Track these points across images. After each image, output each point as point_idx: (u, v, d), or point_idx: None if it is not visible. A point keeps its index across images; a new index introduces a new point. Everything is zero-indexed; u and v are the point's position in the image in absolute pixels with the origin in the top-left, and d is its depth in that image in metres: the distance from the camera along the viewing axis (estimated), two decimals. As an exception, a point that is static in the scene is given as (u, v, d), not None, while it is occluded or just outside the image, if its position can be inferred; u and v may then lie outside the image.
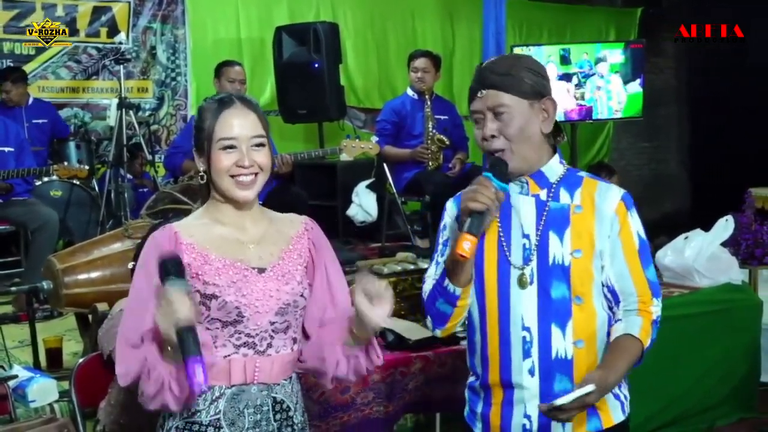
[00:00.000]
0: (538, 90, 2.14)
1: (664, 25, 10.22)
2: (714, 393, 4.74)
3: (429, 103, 6.30)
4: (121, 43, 6.81)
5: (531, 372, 2.14)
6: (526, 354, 2.14)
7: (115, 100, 6.09)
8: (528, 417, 2.17)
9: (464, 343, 3.65)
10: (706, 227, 5.06)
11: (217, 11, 7.65)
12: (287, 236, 2.18)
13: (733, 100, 9.31)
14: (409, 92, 6.44)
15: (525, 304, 2.14)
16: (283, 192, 6.06)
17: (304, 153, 6.18)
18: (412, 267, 4.35)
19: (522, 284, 2.14)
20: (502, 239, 2.18)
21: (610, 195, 2.15)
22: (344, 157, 5.95)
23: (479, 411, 2.28)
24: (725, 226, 4.98)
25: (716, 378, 4.74)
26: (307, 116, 7.21)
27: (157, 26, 7.39)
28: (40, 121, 6.44)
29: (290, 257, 2.14)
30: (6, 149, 5.39)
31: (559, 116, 6.96)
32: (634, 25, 10.25)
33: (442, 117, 6.41)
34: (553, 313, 2.13)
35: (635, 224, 2.16)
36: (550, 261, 2.12)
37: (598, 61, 7.27)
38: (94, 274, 3.64)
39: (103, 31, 7.12)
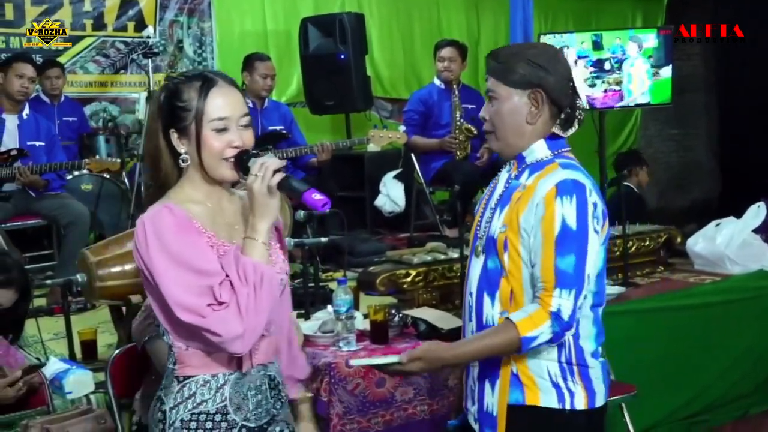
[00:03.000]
0: (529, 80, 2.21)
1: (691, 12, 10.12)
2: (746, 381, 4.72)
3: (456, 92, 6.30)
4: (148, 36, 6.84)
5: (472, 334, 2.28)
6: (469, 318, 2.30)
7: (144, 94, 6.13)
8: (473, 380, 2.31)
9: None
10: (738, 214, 5.03)
11: (242, 3, 7.67)
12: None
13: (762, 85, 9.21)
14: (436, 82, 6.44)
15: (474, 271, 2.28)
16: (310, 183, 6.08)
17: (332, 144, 6.19)
18: (442, 257, 4.36)
19: (477, 253, 2.29)
20: (480, 214, 2.35)
21: (550, 179, 2.15)
22: (372, 147, 5.96)
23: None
24: (757, 212, 4.95)
25: (748, 366, 4.71)
26: (333, 107, 7.22)
27: (184, 19, 7.42)
28: (71, 119, 6.50)
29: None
30: (37, 144, 5.45)
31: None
32: (661, 11, 10.16)
33: (470, 106, 6.40)
34: (486, 282, 2.24)
35: (562, 211, 2.10)
36: (490, 233, 2.24)
37: (630, 40, 7.22)
38: (127, 267, 3.65)
39: (131, 25, 7.16)
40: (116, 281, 3.67)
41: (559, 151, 2.25)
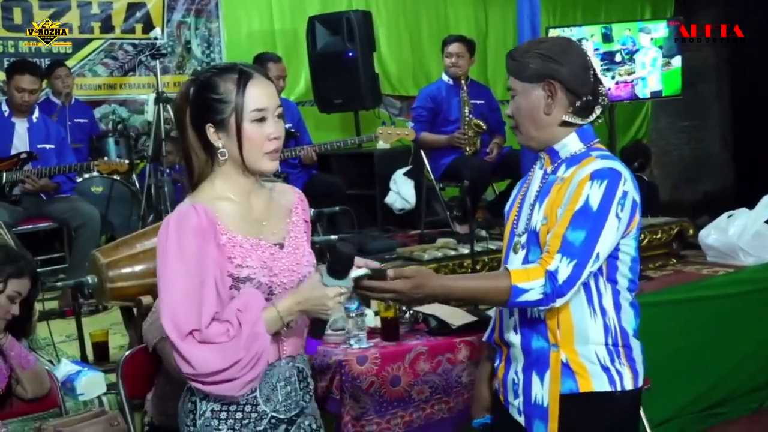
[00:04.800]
0: (541, 73, 2.26)
1: (699, 3, 10.07)
2: (761, 373, 4.70)
3: (465, 88, 6.27)
4: (156, 38, 6.83)
5: (515, 330, 2.32)
6: (511, 312, 2.33)
7: (153, 95, 6.12)
8: (516, 372, 2.34)
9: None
10: (750, 205, 5.01)
11: (249, 3, 7.68)
12: (286, 208, 2.18)
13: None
14: (444, 78, 6.42)
15: (514, 266, 2.25)
16: (320, 181, 6.08)
17: (340, 141, 6.19)
18: (452, 253, 4.36)
19: (515, 249, 2.32)
20: (518, 210, 2.37)
21: (586, 169, 2.20)
22: (381, 144, 5.96)
23: (496, 366, 2.46)
24: (769, 203, 4.92)
25: (763, 358, 4.69)
26: (342, 106, 7.22)
27: (191, 20, 7.43)
28: (81, 120, 6.52)
29: (295, 229, 2.16)
30: (47, 147, 5.45)
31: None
32: (670, 3, 10.11)
33: (479, 101, 6.38)
34: None
35: (589, 192, 2.16)
36: (531, 227, 2.27)
37: (641, 31, 7.20)
38: (137, 268, 3.65)
39: (138, 27, 7.17)
40: (127, 282, 3.67)
41: (591, 143, 2.30)
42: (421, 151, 6.37)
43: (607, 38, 7.16)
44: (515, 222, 2.36)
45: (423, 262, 4.19)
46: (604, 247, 2.16)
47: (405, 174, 6.40)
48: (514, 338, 2.32)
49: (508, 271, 2.15)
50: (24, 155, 5.29)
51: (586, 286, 2.21)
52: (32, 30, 6.57)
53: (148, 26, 7.11)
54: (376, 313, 3.68)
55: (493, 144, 6.27)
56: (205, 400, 2.06)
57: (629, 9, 9.76)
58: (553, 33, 7.52)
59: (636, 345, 2.31)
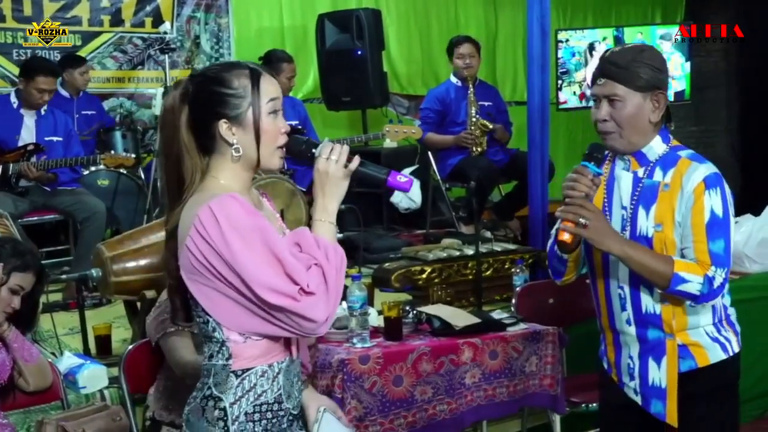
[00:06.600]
0: (652, 84, 2.43)
1: (710, 7, 10.04)
2: (765, 380, 4.68)
3: (472, 88, 6.27)
4: (165, 32, 6.83)
5: (628, 322, 2.53)
6: (623, 308, 2.54)
7: (161, 90, 6.13)
8: (631, 357, 2.56)
9: (511, 329, 3.68)
10: (756, 212, 5.00)
11: (260, 0, 7.67)
12: (270, 207, 2.21)
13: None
14: (453, 79, 6.41)
15: (621, 267, 2.49)
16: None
17: (347, 139, 6.18)
18: (457, 253, 4.36)
19: None
20: (606, 208, 2.54)
21: (695, 176, 2.40)
22: (387, 142, 5.95)
23: (601, 349, 2.70)
24: (776, 210, 4.91)
25: (767, 365, 4.67)
26: (350, 104, 7.22)
27: (201, 15, 7.42)
28: (90, 112, 6.51)
29: (281, 221, 2.21)
30: (55, 139, 5.46)
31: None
32: (680, 7, 10.09)
33: (486, 102, 6.38)
34: (641, 276, 2.44)
35: (711, 201, 2.38)
36: (638, 232, 2.46)
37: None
38: (142, 262, 3.65)
39: (148, 21, 7.16)
40: (131, 276, 3.68)
41: (671, 143, 2.51)
42: (428, 151, 6.37)
43: (619, 41, 7.13)
44: (607, 218, 2.49)
45: (427, 262, 4.18)
46: (731, 244, 2.42)
47: (411, 173, 6.39)
48: (628, 329, 2.54)
49: (672, 260, 2.36)
50: (31, 147, 5.30)
51: None
52: (32, 30, 6.56)
53: (158, 20, 7.10)
54: (380, 313, 3.68)
55: (497, 126, 6.25)
56: (236, 404, 2.00)
57: (639, 12, 9.74)
58: (563, 35, 7.50)
59: (732, 311, 2.57)
